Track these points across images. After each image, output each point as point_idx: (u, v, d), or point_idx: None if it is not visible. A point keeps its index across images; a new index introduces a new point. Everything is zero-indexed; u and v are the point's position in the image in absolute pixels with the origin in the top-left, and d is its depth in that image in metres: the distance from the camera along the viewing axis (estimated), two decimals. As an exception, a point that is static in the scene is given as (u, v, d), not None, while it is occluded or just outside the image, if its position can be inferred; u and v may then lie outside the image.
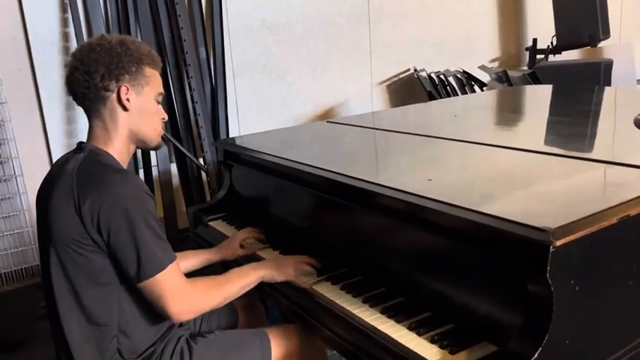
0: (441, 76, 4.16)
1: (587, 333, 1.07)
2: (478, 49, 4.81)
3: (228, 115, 3.56)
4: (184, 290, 1.27)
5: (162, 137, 1.43)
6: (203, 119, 3.25)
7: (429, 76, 4.19)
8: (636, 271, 1.13)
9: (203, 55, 3.37)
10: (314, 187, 1.60)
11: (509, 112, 2.59)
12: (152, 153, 3.24)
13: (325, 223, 1.64)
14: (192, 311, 1.29)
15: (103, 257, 1.23)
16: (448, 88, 4.15)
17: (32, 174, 2.94)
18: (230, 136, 3.45)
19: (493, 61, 4.97)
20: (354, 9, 4.08)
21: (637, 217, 1.08)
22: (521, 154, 1.60)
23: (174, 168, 3.39)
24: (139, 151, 3.25)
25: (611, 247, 1.08)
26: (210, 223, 2.01)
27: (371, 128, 2.17)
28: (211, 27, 3.40)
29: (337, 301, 1.36)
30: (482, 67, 4.30)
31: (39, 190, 1.34)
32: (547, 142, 1.86)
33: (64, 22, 3.05)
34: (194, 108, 3.24)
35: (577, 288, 1.03)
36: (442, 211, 1.16)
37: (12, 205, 2.97)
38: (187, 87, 3.25)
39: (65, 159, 1.33)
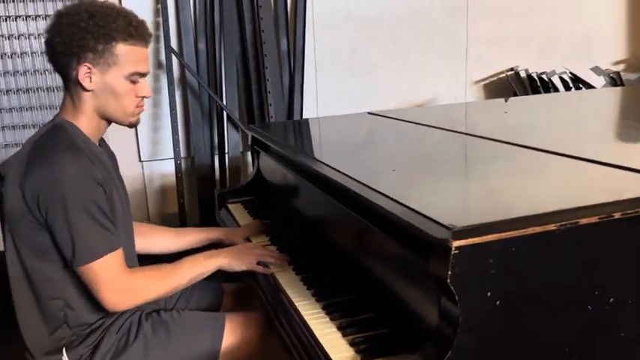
0: (543, 77, 3.79)
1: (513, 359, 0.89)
2: (598, 49, 4.30)
3: (309, 109, 3.58)
4: (121, 281, 1.22)
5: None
6: (274, 109, 3.29)
7: (529, 76, 3.84)
8: (599, 294, 0.91)
9: (284, 46, 3.41)
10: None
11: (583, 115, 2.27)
12: (225, 140, 3.36)
13: (303, 210, 1.58)
14: (127, 304, 1.25)
15: (46, 234, 1.21)
16: (551, 90, 3.77)
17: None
18: (304, 128, 3.46)
19: (617, 63, 4.41)
20: (451, 3, 3.86)
21: (592, 226, 0.88)
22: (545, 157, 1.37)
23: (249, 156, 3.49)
24: (216, 138, 3.39)
25: (556, 260, 0.88)
26: (229, 205, 2.03)
27: (405, 121, 2.02)
28: (294, 19, 3.43)
29: (288, 291, 1.30)
30: (595, 69, 3.85)
31: None
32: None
33: (157, 12, 3.27)
34: (267, 98, 3.29)
35: (497, 302, 0.86)
36: (362, 195, 1.06)
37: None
38: (263, 77, 3.31)
39: (40, 128, 1.32)
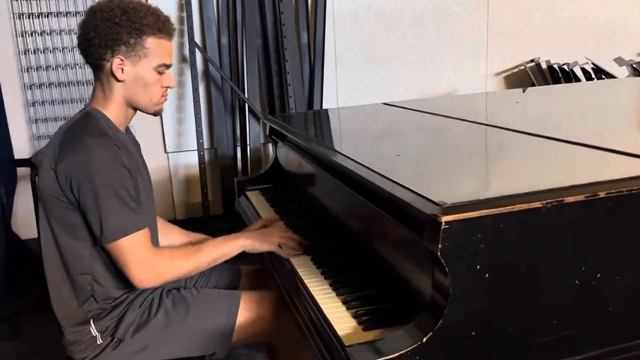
0: (565, 68, 3.78)
1: (504, 332, 0.95)
2: (622, 40, 4.25)
3: (329, 101, 3.64)
4: (148, 259, 1.29)
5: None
6: (295, 101, 3.37)
7: (550, 67, 3.83)
8: (586, 270, 0.96)
9: (305, 39, 3.48)
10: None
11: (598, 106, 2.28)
12: (247, 132, 3.45)
13: (314, 194, 1.65)
14: (154, 281, 1.32)
15: (77, 214, 1.30)
16: (573, 81, 3.76)
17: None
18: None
19: (643, 54, 4.35)
20: (471, -5, 3.88)
21: (578, 204, 0.92)
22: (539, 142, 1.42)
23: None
24: (238, 129, 3.48)
25: (544, 236, 0.93)
26: (247, 192, 2.11)
27: (417, 111, 2.07)
28: (314, 12, 3.49)
29: (299, 270, 1.37)
30: (618, 60, 3.81)
31: None
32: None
33: (181, 7, 3.37)
34: (287, 90, 3.37)
35: (486, 275, 0.92)
36: (365, 177, 1.12)
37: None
38: (283, 70, 3.39)
39: (71, 117, 1.42)
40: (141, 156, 1.53)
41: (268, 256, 1.57)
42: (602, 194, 0.93)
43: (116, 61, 1.34)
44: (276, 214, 1.81)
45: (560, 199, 0.91)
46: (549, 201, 0.91)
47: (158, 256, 1.33)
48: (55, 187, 1.29)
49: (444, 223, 0.88)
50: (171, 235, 1.70)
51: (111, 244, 1.28)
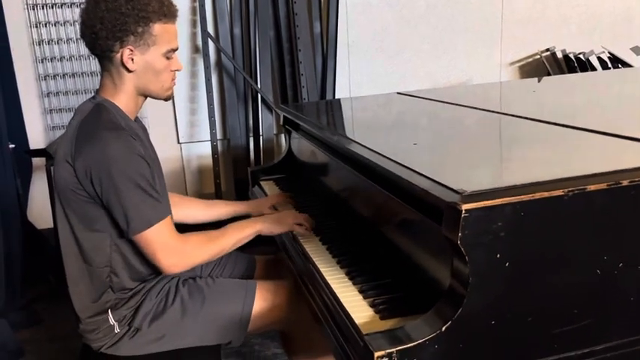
0: (581, 57, 3.72)
1: (523, 321, 0.94)
2: (639, 28, 4.19)
3: (341, 91, 3.62)
4: (175, 245, 1.31)
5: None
6: (307, 91, 3.36)
7: (566, 56, 3.78)
8: (608, 259, 0.95)
9: (317, 29, 3.46)
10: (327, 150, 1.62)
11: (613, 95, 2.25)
12: (259, 122, 3.45)
13: (328, 183, 1.65)
14: (183, 265, 1.34)
15: (97, 207, 1.30)
16: (589, 71, 3.71)
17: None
18: (336, 110, 3.51)
19: (660, 43, 4.27)
20: (486, -17, 3.83)
21: (600, 193, 0.91)
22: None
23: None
24: (251, 120, 3.48)
25: (564, 224, 0.92)
26: (261, 182, 2.11)
27: (432, 100, 2.06)
28: (327, 2, 3.47)
29: (314, 259, 1.37)
30: (635, 49, 3.75)
31: None
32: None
33: (193, -2, 3.36)
34: (299, 80, 3.36)
35: (506, 264, 0.91)
36: (382, 166, 1.12)
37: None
38: (296, 60, 3.37)
39: (81, 108, 1.39)
40: (149, 142, 1.52)
41: (283, 246, 1.57)
42: (625, 182, 0.92)
43: (126, 52, 1.32)
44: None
45: (582, 187, 0.90)
46: (571, 189, 0.89)
47: (185, 242, 1.34)
48: (74, 181, 1.29)
49: (464, 211, 0.87)
50: (188, 208, 1.72)
51: (138, 236, 1.29)
